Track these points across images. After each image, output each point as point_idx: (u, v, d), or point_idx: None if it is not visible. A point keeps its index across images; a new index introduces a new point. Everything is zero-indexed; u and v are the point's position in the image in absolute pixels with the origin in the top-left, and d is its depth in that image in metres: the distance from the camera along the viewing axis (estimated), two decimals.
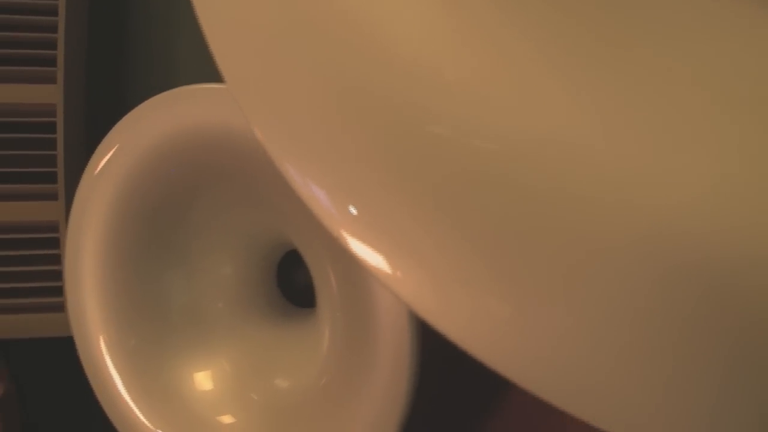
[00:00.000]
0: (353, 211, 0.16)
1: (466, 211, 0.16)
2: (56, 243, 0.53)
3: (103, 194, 0.35)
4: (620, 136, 0.16)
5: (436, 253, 0.16)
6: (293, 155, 0.17)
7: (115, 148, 0.35)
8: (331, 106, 0.17)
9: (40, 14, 0.52)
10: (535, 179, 0.16)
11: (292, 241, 0.38)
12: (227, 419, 0.36)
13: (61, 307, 0.53)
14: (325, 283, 0.34)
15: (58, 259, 0.53)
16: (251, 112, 0.17)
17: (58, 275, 0.53)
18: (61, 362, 0.61)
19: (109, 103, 0.62)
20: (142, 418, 0.35)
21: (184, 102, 0.33)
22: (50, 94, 0.52)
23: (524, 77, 0.16)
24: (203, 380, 0.37)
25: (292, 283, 0.44)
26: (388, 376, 0.29)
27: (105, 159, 0.35)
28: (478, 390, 0.41)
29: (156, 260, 0.37)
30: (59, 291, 0.53)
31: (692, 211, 0.15)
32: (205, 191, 0.36)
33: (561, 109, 0.16)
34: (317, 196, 0.17)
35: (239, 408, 0.36)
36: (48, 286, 0.53)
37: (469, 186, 0.16)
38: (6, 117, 0.52)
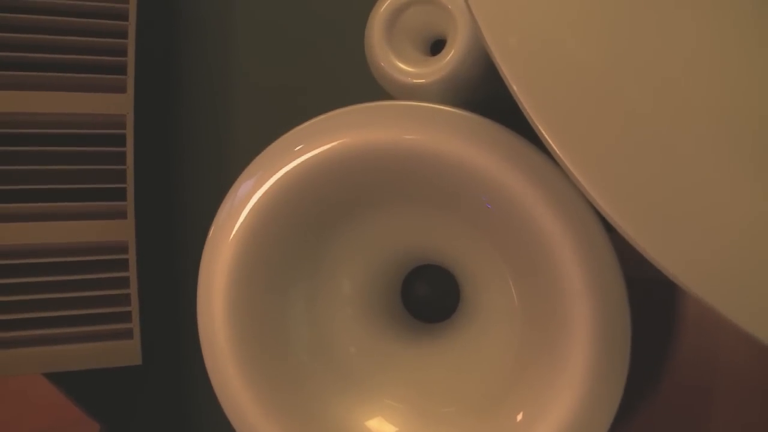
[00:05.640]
0: None
1: None
2: (125, 265, 0.49)
3: (256, 212, 0.33)
4: None
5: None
6: None
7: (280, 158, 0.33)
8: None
9: (109, 18, 0.48)
10: None
11: (434, 257, 0.39)
12: None
13: (130, 334, 0.49)
14: (497, 294, 0.36)
15: (126, 283, 0.49)
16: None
17: (127, 299, 0.49)
18: (131, 393, 0.57)
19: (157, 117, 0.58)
20: None
21: (355, 119, 0.34)
22: (119, 105, 0.48)
23: None
24: (381, 426, 0.35)
25: (412, 299, 0.42)
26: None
27: (277, 168, 0.33)
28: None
29: (285, 275, 0.35)
30: (128, 317, 0.49)
31: None
32: (361, 208, 0.36)
33: None
34: None
35: (442, 425, 0.34)
36: (117, 312, 0.49)
37: None
38: (70, 128, 0.48)
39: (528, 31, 0.24)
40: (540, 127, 0.24)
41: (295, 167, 0.33)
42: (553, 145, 0.24)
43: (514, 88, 0.24)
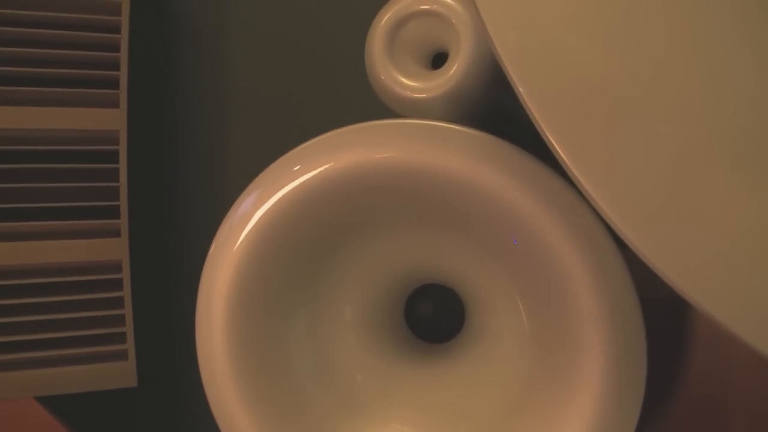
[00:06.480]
0: None
1: None
2: (119, 285, 0.47)
3: (256, 231, 0.33)
4: None
5: None
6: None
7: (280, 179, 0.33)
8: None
9: (101, 31, 0.47)
10: None
11: (437, 277, 0.38)
12: None
13: (125, 356, 0.48)
14: (505, 315, 0.35)
15: (121, 303, 0.47)
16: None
17: (122, 320, 0.48)
18: (126, 417, 0.55)
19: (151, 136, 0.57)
20: None
21: (357, 138, 0.33)
22: (112, 120, 0.47)
23: None
24: None
25: (415, 319, 0.41)
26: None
27: (275, 189, 0.33)
28: None
29: (286, 299, 0.35)
30: (123, 338, 0.48)
31: None
32: (362, 229, 0.35)
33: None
34: None
35: None
36: (111, 333, 0.47)
37: None
38: (61, 145, 0.47)
39: (531, 27, 0.24)
40: (544, 127, 0.24)
41: (294, 188, 0.32)
42: (556, 146, 0.23)
43: (520, 90, 0.24)
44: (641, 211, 0.23)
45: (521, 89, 0.24)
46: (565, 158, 0.23)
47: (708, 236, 0.22)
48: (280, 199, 0.33)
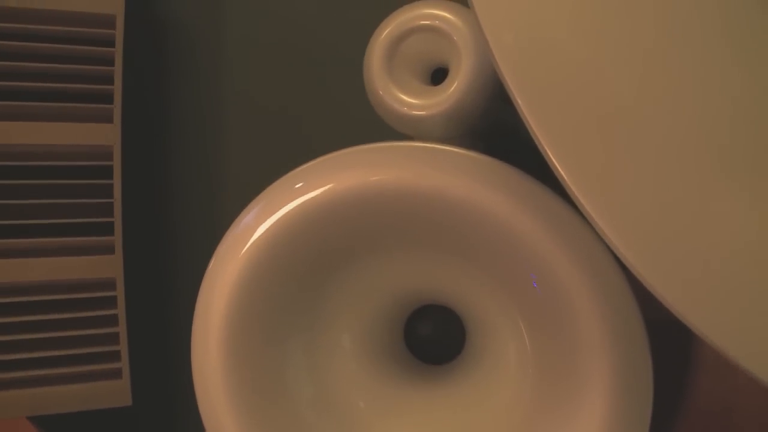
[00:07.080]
0: None
1: None
2: (113, 302, 0.47)
3: (256, 248, 0.33)
4: None
5: None
6: None
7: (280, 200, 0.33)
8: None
9: (94, 44, 0.47)
10: None
11: (438, 298, 0.37)
12: None
13: (119, 374, 0.47)
14: (508, 338, 0.35)
15: (115, 320, 0.47)
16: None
17: (116, 338, 0.47)
18: None
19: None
20: None
21: (362, 159, 0.33)
22: (106, 135, 0.46)
23: None
24: None
25: (413, 339, 0.41)
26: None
27: (270, 213, 0.33)
28: None
29: (283, 323, 0.35)
30: (117, 356, 0.47)
31: None
32: (363, 251, 0.35)
33: None
34: None
35: None
36: (105, 351, 0.47)
37: None
38: (54, 160, 0.46)
39: (528, 27, 0.24)
40: (535, 130, 0.23)
41: (295, 207, 0.32)
42: (551, 155, 0.23)
43: (517, 97, 0.23)
44: (639, 229, 0.22)
45: (518, 97, 0.23)
46: (561, 170, 0.23)
47: (706, 256, 0.22)
48: (281, 218, 0.32)
